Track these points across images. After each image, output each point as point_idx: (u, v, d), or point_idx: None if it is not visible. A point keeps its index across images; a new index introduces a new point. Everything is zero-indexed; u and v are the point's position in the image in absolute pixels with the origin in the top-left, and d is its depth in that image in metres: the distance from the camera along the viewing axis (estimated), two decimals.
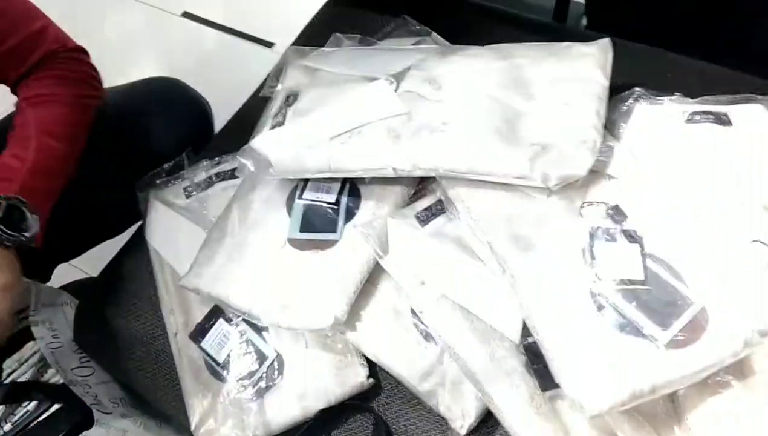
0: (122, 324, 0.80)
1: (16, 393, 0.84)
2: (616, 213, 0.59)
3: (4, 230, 0.67)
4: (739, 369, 0.55)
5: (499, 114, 0.64)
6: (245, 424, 0.66)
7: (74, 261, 1.02)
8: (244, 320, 0.69)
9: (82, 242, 0.97)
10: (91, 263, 1.00)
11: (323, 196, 0.69)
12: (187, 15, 1.83)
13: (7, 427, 0.83)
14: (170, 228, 0.79)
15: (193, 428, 0.68)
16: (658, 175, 0.63)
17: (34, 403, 0.84)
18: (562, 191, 0.59)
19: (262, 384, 0.67)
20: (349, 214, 0.68)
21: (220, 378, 0.69)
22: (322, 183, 0.70)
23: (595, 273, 0.55)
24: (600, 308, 0.53)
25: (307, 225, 0.68)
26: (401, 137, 0.63)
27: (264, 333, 0.69)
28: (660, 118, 0.66)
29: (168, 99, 0.95)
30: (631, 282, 0.54)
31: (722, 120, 0.68)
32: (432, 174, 0.63)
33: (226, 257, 0.68)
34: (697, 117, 0.67)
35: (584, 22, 1.21)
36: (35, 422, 0.81)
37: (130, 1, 1.89)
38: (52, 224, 0.88)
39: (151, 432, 0.88)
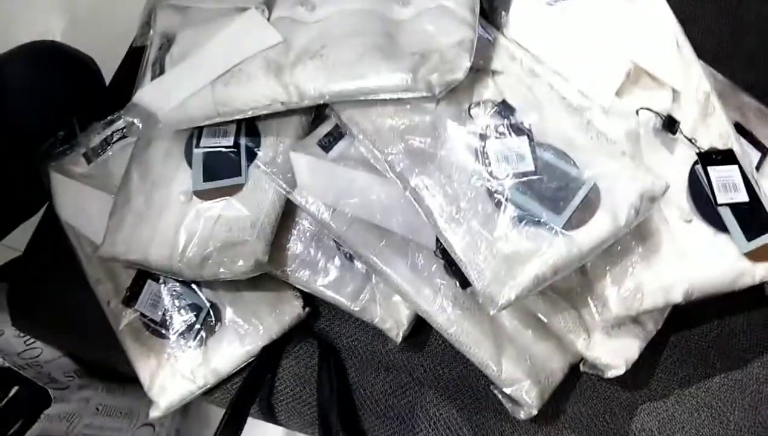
0: (56, 299, 0.79)
1: None
2: (504, 109, 0.59)
3: None
4: (639, 233, 0.59)
5: (378, 27, 0.62)
6: (194, 375, 0.68)
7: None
8: (171, 275, 0.70)
9: None
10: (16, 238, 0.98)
11: (221, 140, 0.68)
12: None
13: None
14: (77, 199, 0.77)
15: (145, 388, 0.69)
16: (540, 60, 0.63)
17: None
18: (449, 96, 0.59)
19: (203, 333, 0.69)
20: (251, 155, 0.67)
21: (161, 336, 0.70)
22: (217, 127, 0.68)
23: (490, 172, 0.56)
24: (498, 204, 0.55)
25: (210, 174, 0.67)
26: (283, 69, 0.62)
27: (194, 285, 0.70)
28: (537, 0, 0.65)
29: (46, 65, 0.89)
30: (524, 175, 0.55)
31: None
32: (320, 102, 0.62)
33: (137, 220, 0.68)
34: None
35: None
36: None
37: None
38: None
39: (114, 394, 0.91)
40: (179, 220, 0.66)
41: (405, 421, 0.67)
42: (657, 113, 0.61)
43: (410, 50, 0.60)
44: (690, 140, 0.61)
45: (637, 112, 0.61)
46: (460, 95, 0.60)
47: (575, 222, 0.53)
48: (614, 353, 0.58)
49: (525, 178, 0.55)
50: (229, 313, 0.69)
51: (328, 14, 0.64)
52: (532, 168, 0.56)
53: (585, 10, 0.65)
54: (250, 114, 0.64)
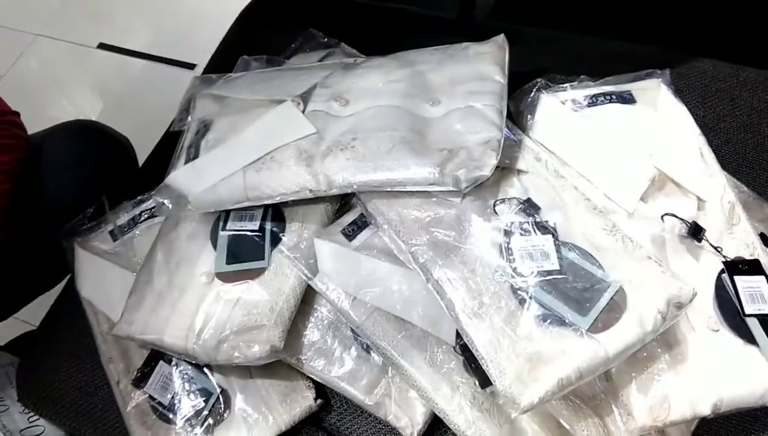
0: (65, 377, 0.78)
1: None
2: (529, 206, 0.60)
3: None
4: (665, 341, 0.57)
5: (407, 124, 0.64)
6: None
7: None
8: (184, 358, 0.69)
9: (15, 300, 0.95)
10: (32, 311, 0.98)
11: (247, 224, 0.69)
12: (103, 46, 1.79)
13: None
14: (99, 276, 0.78)
15: None
16: (565, 163, 0.65)
17: None
18: (475, 192, 0.60)
19: (210, 421, 0.67)
20: (275, 240, 0.68)
21: (167, 420, 0.68)
22: (245, 211, 0.69)
23: (514, 268, 0.56)
24: (522, 301, 0.54)
25: (233, 256, 0.67)
26: (314, 158, 0.63)
27: (206, 369, 0.69)
28: (563, 106, 0.67)
29: (84, 143, 0.93)
30: (549, 273, 0.55)
31: (625, 98, 0.70)
32: (348, 191, 0.63)
33: (156, 299, 0.68)
34: (600, 99, 0.69)
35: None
36: None
37: (43, 38, 1.84)
38: None
39: None
40: (199, 301, 0.66)
41: None
42: (682, 220, 0.61)
43: (438, 146, 0.61)
44: (716, 249, 0.61)
45: (662, 217, 0.61)
46: (485, 191, 0.61)
47: (601, 325, 0.52)
48: None
49: (550, 277, 0.55)
50: (239, 400, 0.67)
51: (360, 109, 0.67)
52: (557, 267, 0.55)
53: (610, 116, 0.67)
54: (278, 199, 0.65)
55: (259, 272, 0.67)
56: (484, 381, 0.59)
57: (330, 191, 0.63)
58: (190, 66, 1.70)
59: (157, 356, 0.71)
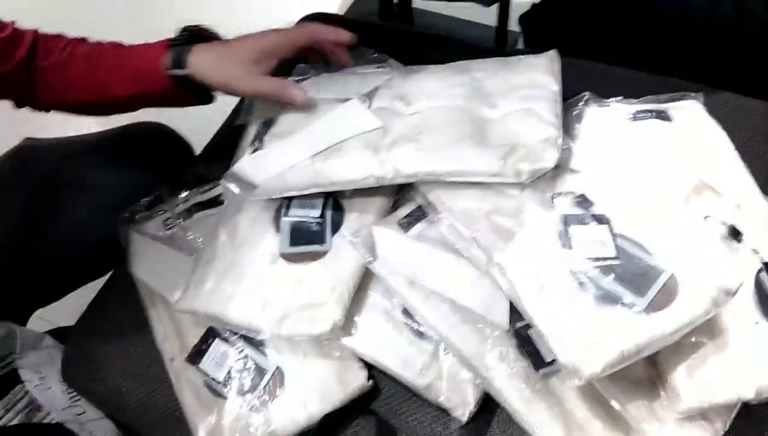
0: (113, 357, 0.80)
1: None
2: (584, 200, 0.64)
3: None
4: (709, 328, 0.61)
5: (468, 122, 0.69)
6: None
7: (45, 314, 1.01)
8: (241, 337, 0.72)
9: (61, 284, 0.97)
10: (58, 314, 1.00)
11: (308, 211, 0.73)
12: None
13: None
14: (155, 258, 0.81)
15: None
16: (613, 167, 0.69)
17: None
18: (533, 185, 0.65)
19: (265, 397, 0.69)
20: (335, 226, 0.72)
21: (221, 396, 0.70)
22: (306, 200, 0.73)
23: (573, 254, 0.60)
24: (581, 284, 0.58)
25: (296, 239, 0.71)
26: (380, 148, 0.68)
27: (262, 348, 0.72)
28: (608, 118, 0.73)
29: (151, 139, 0.99)
30: (605, 259, 0.59)
31: (663, 116, 0.75)
32: (412, 180, 0.67)
33: (219, 276, 0.71)
34: (641, 115, 0.74)
35: (521, 45, 1.30)
36: None
37: None
38: (30, 263, 0.90)
39: None
40: (263, 278, 0.69)
41: None
42: (722, 222, 0.65)
43: (499, 142, 0.66)
44: (753, 250, 0.65)
45: (704, 218, 0.65)
46: (543, 185, 0.65)
47: (657, 305, 0.56)
48: None
49: (607, 263, 0.59)
50: (293, 377, 0.70)
51: (422, 108, 0.72)
52: (613, 253, 0.60)
53: (652, 130, 0.73)
54: (343, 187, 0.69)
55: (321, 254, 0.70)
56: (538, 364, 0.63)
57: (395, 180, 0.68)
58: None
59: (213, 333, 0.73)
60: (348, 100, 0.75)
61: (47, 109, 0.84)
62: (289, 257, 0.70)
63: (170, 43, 0.76)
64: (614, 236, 0.61)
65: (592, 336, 0.55)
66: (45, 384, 0.85)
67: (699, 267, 0.59)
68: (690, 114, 0.75)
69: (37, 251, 0.92)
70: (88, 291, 0.91)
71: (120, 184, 0.94)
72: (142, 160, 0.98)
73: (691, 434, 0.59)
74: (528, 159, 0.63)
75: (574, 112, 0.74)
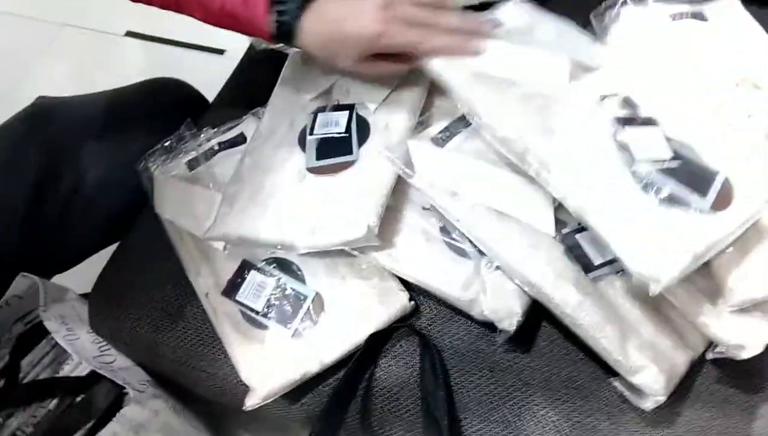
0: (140, 305, 0.79)
1: (35, 392, 0.82)
2: (630, 103, 0.63)
3: None
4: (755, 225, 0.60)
5: None
6: (296, 363, 0.66)
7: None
8: (277, 266, 0.70)
9: (83, 245, 0.95)
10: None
11: (333, 128, 0.72)
12: (130, 34, 1.81)
13: (29, 430, 0.80)
14: (181, 196, 0.79)
15: (243, 377, 0.67)
16: (654, 68, 0.68)
17: (55, 401, 0.82)
18: (580, 87, 0.64)
19: (307, 323, 0.68)
20: (361, 140, 0.71)
21: (261, 326, 0.69)
22: (330, 117, 0.72)
23: (631, 155, 0.58)
24: (646, 187, 0.57)
25: (323, 154, 0.70)
26: None
27: (300, 275, 0.70)
28: (647, 19, 0.72)
29: (166, 94, 0.97)
30: (664, 161, 0.58)
31: (699, 17, 0.74)
32: None
33: (248, 200, 0.69)
34: (678, 15, 0.73)
35: None
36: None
37: (69, 28, 1.86)
38: (48, 224, 0.88)
39: (179, 415, 0.87)
40: (292, 195, 0.68)
41: (511, 424, 0.65)
42: None
43: None
44: None
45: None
46: (589, 87, 0.64)
47: (718, 205, 0.55)
48: (748, 334, 0.57)
49: (665, 165, 0.58)
50: (333, 302, 0.68)
51: None
52: (670, 154, 0.58)
53: (691, 30, 0.72)
54: None
55: (349, 164, 0.69)
56: (588, 267, 0.61)
57: None
58: (220, 51, 1.73)
59: (248, 266, 0.72)
60: None
61: None
62: (317, 171, 0.69)
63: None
64: (666, 138, 0.60)
65: (663, 242, 0.54)
66: (73, 334, 0.83)
67: (748, 168, 0.58)
68: (726, 13, 0.73)
69: (54, 211, 0.89)
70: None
71: (138, 139, 0.92)
72: (159, 115, 0.96)
73: (746, 324, 0.58)
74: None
75: (612, 14, 0.73)
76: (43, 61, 1.81)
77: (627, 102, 0.63)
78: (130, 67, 1.77)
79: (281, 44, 0.79)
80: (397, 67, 0.69)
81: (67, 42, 1.85)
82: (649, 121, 0.61)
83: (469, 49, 0.66)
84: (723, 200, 0.56)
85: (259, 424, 0.91)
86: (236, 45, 1.06)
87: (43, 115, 0.94)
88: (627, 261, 0.54)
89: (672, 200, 0.56)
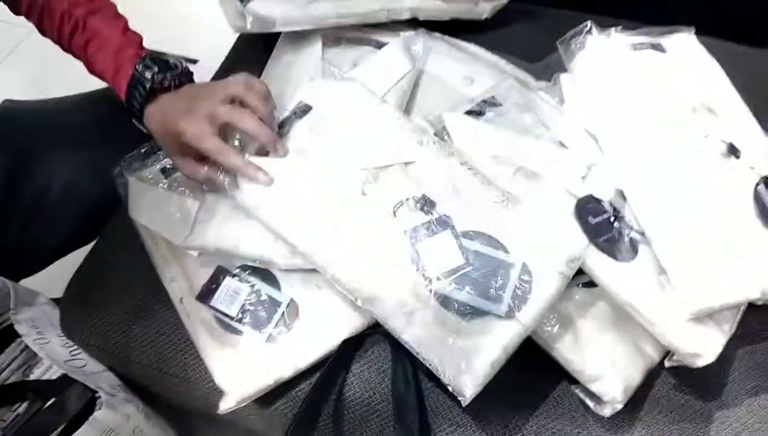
0: (112, 309, 0.79)
1: (4, 395, 0.81)
2: (425, 203, 0.65)
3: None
4: (715, 239, 0.64)
5: None
6: (270, 368, 0.68)
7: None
8: (252, 272, 0.72)
9: (50, 249, 0.95)
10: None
11: None
12: None
13: None
14: (156, 202, 0.79)
15: (217, 381, 0.68)
16: (617, 94, 0.72)
17: (24, 404, 0.82)
18: (374, 200, 0.67)
19: (282, 328, 0.69)
20: None
21: (235, 331, 0.70)
22: None
23: (426, 273, 0.62)
24: (443, 303, 0.61)
25: None
26: None
27: (274, 283, 0.71)
28: (610, 48, 0.76)
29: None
30: (456, 269, 0.61)
31: (658, 48, 0.78)
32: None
33: (229, 211, 0.71)
34: (638, 45, 0.77)
35: None
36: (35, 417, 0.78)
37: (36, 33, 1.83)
38: (18, 227, 0.88)
39: (150, 420, 0.87)
40: None
41: (480, 429, 0.67)
42: (723, 141, 0.68)
43: None
44: (751, 167, 0.68)
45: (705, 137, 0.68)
46: (384, 194, 0.66)
47: (515, 304, 0.59)
48: (703, 343, 0.61)
49: (459, 273, 0.61)
50: (308, 308, 0.70)
51: None
52: (462, 261, 0.61)
53: (650, 60, 0.76)
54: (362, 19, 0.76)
55: None
56: None
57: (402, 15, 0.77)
58: (193, 61, 1.73)
59: (222, 272, 0.73)
60: None
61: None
62: None
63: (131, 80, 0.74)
64: (460, 236, 0.62)
65: (464, 356, 0.58)
66: (43, 338, 0.83)
67: (548, 243, 0.62)
68: (683, 45, 0.77)
69: (21, 213, 0.89)
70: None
71: (110, 142, 0.92)
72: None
73: (702, 334, 0.62)
74: None
75: (578, 40, 0.76)
76: (8, 65, 1.78)
77: (424, 201, 0.65)
78: None
79: None
80: (203, 173, 0.71)
81: (33, 46, 1.82)
82: (443, 223, 0.63)
83: (255, 179, 0.67)
84: (520, 297, 0.60)
85: (231, 431, 0.91)
86: (211, 54, 1.07)
87: (8, 118, 0.94)
88: (439, 373, 0.59)
89: (467, 313, 0.60)
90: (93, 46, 0.77)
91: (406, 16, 0.79)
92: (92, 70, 0.79)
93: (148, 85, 0.72)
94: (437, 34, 0.89)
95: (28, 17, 0.82)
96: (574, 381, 0.65)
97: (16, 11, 0.82)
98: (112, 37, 0.76)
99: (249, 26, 0.78)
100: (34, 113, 0.96)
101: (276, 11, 0.75)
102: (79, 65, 0.81)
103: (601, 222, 0.65)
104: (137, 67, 0.73)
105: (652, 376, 0.66)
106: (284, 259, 0.67)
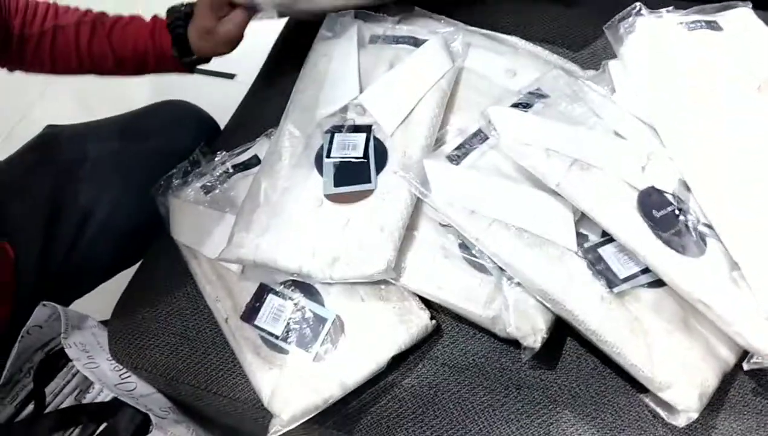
0: (159, 331, 0.78)
1: (61, 420, 0.81)
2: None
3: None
4: None
5: None
6: (319, 387, 0.65)
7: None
8: (296, 289, 0.69)
9: (97, 271, 0.96)
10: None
11: (350, 152, 0.71)
12: None
13: None
14: (197, 221, 0.79)
15: (266, 403, 0.66)
16: (675, 78, 0.67)
17: (78, 429, 0.82)
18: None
19: (328, 345, 0.67)
20: (379, 166, 0.70)
21: (281, 351, 0.68)
22: (348, 140, 0.72)
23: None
24: None
25: (341, 180, 0.69)
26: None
27: (318, 298, 0.69)
28: (663, 29, 0.70)
29: (178, 117, 0.98)
30: None
31: (713, 26, 0.73)
32: None
33: (265, 223, 0.69)
34: (693, 25, 0.72)
35: None
36: None
37: None
38: (62, 251, 0.88)
39: None
40: (310, 222, 0.68)
41: None
42: None
43: None
44: None
45: None
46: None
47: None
48: None
49: None
50: (354, 324, 0.67)
51: None
52: None
53: (707, 39, 0.71)
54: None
55: (367, 193, 0.68)
56: (612, 281, 0.60)
57: None
58: (230, 76, 1.74)
59: (265, 289, 0.71)
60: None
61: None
62: (335, 198, 0.68)
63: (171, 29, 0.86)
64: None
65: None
66: (93, 362, 0.83)
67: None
68: (740, 21, 0.72)
69: (68, 235, 0.90)
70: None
71: (151, 162, 0.92)
72: (171, 137, 0.96)
73: None
74: None
75: (627, 23, 0.71)
76: (50, 91, 1.82)
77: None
78: (138, 94, 1.78)
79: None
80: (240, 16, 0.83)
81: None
82: None
83: None
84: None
85: None
86: (247, 68, 1.06)
87: (53, 142, 0.95)
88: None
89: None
90: (118, 29, 0.86)
91: None
92: (124, 53, 0.87)
93: (183, 10, 0.85)
94: (474, 29, 0.86)
95: (34, 62, 0.87)
96: (642, 388, 0.60)
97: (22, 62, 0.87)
98: (134, 18, 0.87)
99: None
100: (76, 136, 0.97)
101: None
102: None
103: (666, 215, 0.60)
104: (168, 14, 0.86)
105: (727, 381, 0.61)
106: (322, 272, 0.65)
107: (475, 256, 0.67)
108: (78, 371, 0.85)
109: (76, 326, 0.86)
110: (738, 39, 0.71)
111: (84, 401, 0.85)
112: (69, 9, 0.87)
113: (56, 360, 0.85)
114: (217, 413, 0.77)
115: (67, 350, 0.81)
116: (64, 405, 0.85)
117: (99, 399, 0.84)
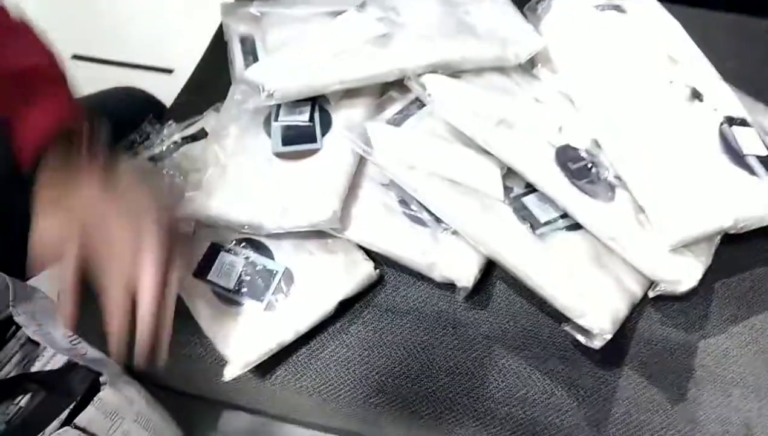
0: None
1: (6, 389, 0.82)
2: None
3: None
4: (687, 174, 0.68)
5: (456, 23, 0.77)
6: (271, 333, 0.70)
7: None
8: (246, 245, 0.74)
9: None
10: None
11: (297, 117, 0.77)
12: (78, 57, 1.81)
13: (1, 427, 0.81)
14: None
15: (222, 352, 0.70)
16: (586, 53, 0.77)
17: (27, 397, 0.83)
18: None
19: (280, 295, 0.71)
20: (324, 129, 0.76)
21: (235, 303, 0.72)
22: (294, 107, 0.77)
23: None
24: None
25: (288, 140, 0.75)
26: (388, 45, 0.75)
27: (268, 253, 0.74)
28: (576, 9, 0.80)
29: (121, 106, 1.00)
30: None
31: (619, 9, 0.82)
32: (422, 71, 0.74)
33: (217, 181, 0.73)
34: (602, 7, 0.81)
35: None
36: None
37: None
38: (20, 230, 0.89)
39: (151, 406, 0.89)
40: (260, 178, 0.73)
41: (475, 375, 0.70)
42: (687, 86, 0.72)
43: (490, 37, 0.73)
44: (714, 109, 0.72)
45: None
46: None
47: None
48: (683, 271, 0.65)
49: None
50: (303, 275, 0.72)
51: (412, 17, 0.77)
52: None
53: (615, 20, 0.80)
54: (362, 83, 0.75)
55: (313, 152, 0.74)
56: (535, 224, 0.67)
57: (409, 71, 0.74)
58: (168, 71, 1.75)
59: (216, 248, 0.75)
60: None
61: None
62: (283, 156, 0.74)
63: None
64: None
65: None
66: (43, 330, 0.84)
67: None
68: (643, 7, 0.82)
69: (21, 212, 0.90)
70: None
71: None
72: (118, 122, 0.98)
73: (681, 263, 0.65)
74: (521, 45, 0.73)
75: (545, 4, 0.80)
76: None
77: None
78: (79, 89, 1.77)
79: None
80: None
81: None
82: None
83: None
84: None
85: (230, 416, 0.93)
86: (185, 63, 1.09)
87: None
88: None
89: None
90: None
91: (419, 71, 0.74)
92: None
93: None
94: None
95: None
96: (564, 320, 0.68)
97: None
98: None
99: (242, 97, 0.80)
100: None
101: (271, 83, 0.73)
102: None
103: (580, 167, 0.68)
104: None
105: (636, 315, 0.70)
106: (273, 222, 0.69)
107: (413, 210, 0.73)
108: (24, 343, 0.86)
109: (25, 296, 0.87)
110: (641, 19, 0.80)
111: (31, 371, 0.86)
112: None
113: (2, 332, 0.85)
114: (169, 372, 0.79)
115: (15, 318, 0.82)
116: (11, 375, 0.85)
117: (47, 368, 0.85)
